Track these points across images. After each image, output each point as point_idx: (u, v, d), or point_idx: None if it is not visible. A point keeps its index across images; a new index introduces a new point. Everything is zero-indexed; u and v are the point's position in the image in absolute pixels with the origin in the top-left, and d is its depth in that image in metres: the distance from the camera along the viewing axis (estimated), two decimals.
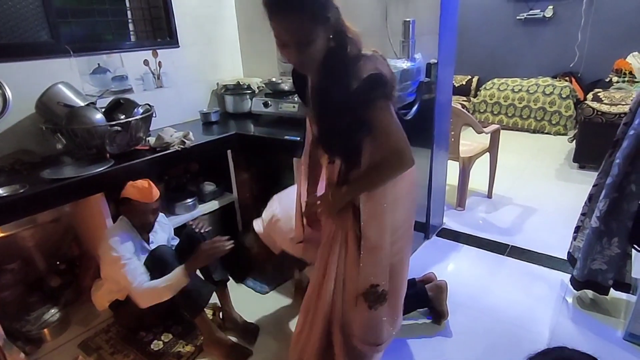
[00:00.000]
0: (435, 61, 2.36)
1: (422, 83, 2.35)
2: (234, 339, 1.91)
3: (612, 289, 2.01)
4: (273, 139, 2.38)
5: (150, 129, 2.20)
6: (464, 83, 5.81)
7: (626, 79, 4.22)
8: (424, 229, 2.78)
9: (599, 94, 3.91)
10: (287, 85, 2.75)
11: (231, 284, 2.06)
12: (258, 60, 3.10)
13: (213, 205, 2.55)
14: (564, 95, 4.89)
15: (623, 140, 1.85)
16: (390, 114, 1.19)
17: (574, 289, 2.10)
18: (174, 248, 1.98)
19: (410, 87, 2.30)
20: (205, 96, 2.95)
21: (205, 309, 1.83)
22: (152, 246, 1.89)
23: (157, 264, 1.76)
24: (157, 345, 1.88)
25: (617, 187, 1.85)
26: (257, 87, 2.87)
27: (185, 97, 2.79)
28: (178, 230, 2.22)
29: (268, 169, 2.76)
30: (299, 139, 2.26)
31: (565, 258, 2.26)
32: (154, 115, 2.18)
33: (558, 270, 2.35)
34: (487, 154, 3.23)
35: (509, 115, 5.29)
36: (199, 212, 2.45)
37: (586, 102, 3.85)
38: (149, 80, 2.54)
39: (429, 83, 2.40)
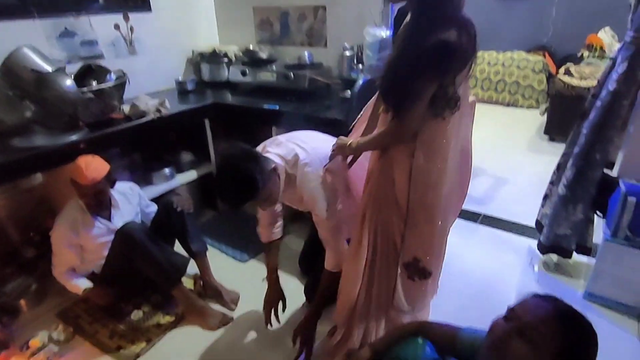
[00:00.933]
0: None
1: None
2: (215, 306, 1.94)
3: (575, 253, 2.14)
4: (251, 108, 2.36)
5: (124, 97, 2.14)
6: None
7: (596, 54, 4.33)
8: None
9: (570, 69, 4.00)
10: (264, 53, 2.71)
11: (210, 253, 2.07)
12: (234, 27, 3.02)
13: (191, 175, 2.53)
14: (537, 70, 4.99)
15: (590, 112, 1.93)
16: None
17: (540, 253, 2.22)
18: (151, 218, 1.96)
19: None
20: (180, 64, 2.87)
21: (185, 279, 1.84)
22: (116, 222, 1.85)
23: (125, 245, 1.74)
24: (136, 315, 1.89)
25: (583, 156, 1.94)
26: (234, 56, 2.81)
27: (159, 64, 2.70)
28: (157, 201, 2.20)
29: (246, 138, 2.73)
30: (277, 107, 2.25)
31: (534, 226, 2.37)
32: (127, 82, 2.11)
33: (526, 236, 2.47)
34: None
35: (485, 88, 5.37)
36: (177, 181, 2.43)
37: (557, 76, 3.95)
38: (120, 46, 2.45)
39: None
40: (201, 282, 2.03)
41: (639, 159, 1.95)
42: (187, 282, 2.03)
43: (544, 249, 2.20)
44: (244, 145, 1.44)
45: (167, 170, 2.40)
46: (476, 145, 3.69)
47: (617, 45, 2.90)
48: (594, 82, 3.68)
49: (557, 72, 4.22)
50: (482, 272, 2.19)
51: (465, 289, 2.06)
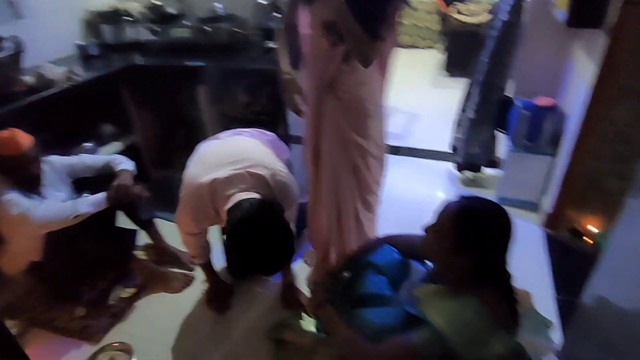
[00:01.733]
0: None
1: None
2: (175, 270, 1.94)
3: (485, 168, 2.50)
4: (172, 67, 2.25)
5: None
6: None
7: None
8: None
9: (459, 7, 4.38)
10: (172, 8, 2.55)
11: (159, 220, 2.03)
12: None
13: (116, 147, 2.37)
14: (430, 11, 5.34)
15: (488, 42, 2.20)
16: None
17: (458, 171, 2.56)
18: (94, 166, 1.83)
19: None
20: (75, 27, 2.57)
21: (137, 252, 1.80)
22: (49, 198, 1.68)
23: (69, 228, 1.59)
24: (94, 294, 1.81)
25: (485, 82, 2.23)
26: (139, 13, 2.59)
27: (52, 28, 2.39)
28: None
29: (170, 101, 2.61)
30: (202, 63, 2.18)
31: (449, 150, 2.69)
32: (23, 50, 1.87)
33: (443, 160, 2.80)
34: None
35: None
36: (101, 155, 2.26)
37: (450, 15, 4.30)
38: (1, 9, 2.11)
39: None
40: (154, 251, 2.00)
41: (529, 78, 2.30)
42: (140, 254, 1.98)
43: (460, 167, 2.54)
44: (252, 206, 1.24)
45: (87, 145, 2.23)
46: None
47: None
48: (481, 18, 4.11)
49: (447, 11, 4.58)
50: (412, 196, 2.47)
51: (401, 212, 2.31)
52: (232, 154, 1.39)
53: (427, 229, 1.10)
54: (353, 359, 1.14)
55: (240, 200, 1.24)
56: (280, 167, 1.42)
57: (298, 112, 1.66)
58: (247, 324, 1.68)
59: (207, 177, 1.31)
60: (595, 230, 1.99)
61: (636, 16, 1.55)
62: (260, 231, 1.17)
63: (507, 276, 1.07)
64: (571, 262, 1.91)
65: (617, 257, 1.19)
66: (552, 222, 2.10)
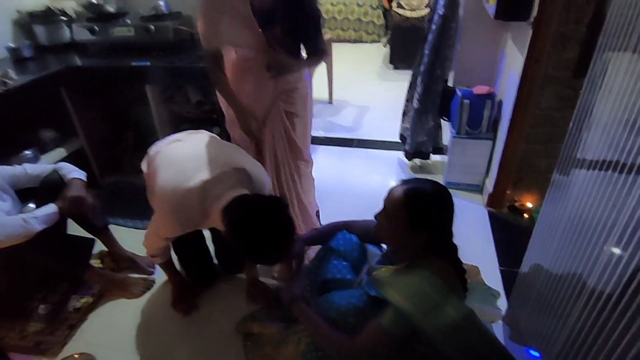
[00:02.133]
0: None
1: None
2: (134, 275, 1.90)
3: (432, 155, 2.65)
4: (117, 67, 2.17)
5: None
6: None
7: None
8: None
9: (400, 2, 4.54)
10: (112, 6, 2.46)
11: (112, 226, 1.98)
12: None
13: (59, 153, 2.26)
14: (374, 6, 5.49)
15: (428, 35, 2.33)
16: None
17: (407, 160, 2.68)
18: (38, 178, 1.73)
19: None
20: (5, 28, 2.40)
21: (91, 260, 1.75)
22: None
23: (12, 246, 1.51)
24: (45, 309, 1.73)
25: (427, 73, 2.35)
26: (74, 12, 2.47)
27: None
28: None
29: (116, 102, 2.53)
30: (148, 63, 2.14)
31: (398, 140, 2.81)
32: None
33: (394, 150, 2.93)
34: (323, 63, 3.55)
35: (332, 28, 5.71)
36: (44, 163, 2.15)
37: (392, 9, 4.45)
38: None
39: None
40: (110, 258, 1.94)
41: (467, 69, 2.46)
42: (94, 262, 1.92)
43: (409, 156, 2.67)
44: (252, 200, 1.29)
45: (28, 153, 2.10)
46: (336, 81, 4.06)
47: None
48: (422, 12, 4.30)
49: (390, 7, 4.74)
50: (366, 185, 2.56)
51: (355, 202, 2.39)
52: (206, 153, 1.41)
53: (378, 216, 1.18)
54: (333, 354, 1.18)
55: (236, 197, 1.26)
56: (250, 158, 1.52)
57: (259, 140, 1.74)
58: (215, 320, 1.69)
59: (194, 181, 1.31)
60: (530, 205, 2.19)
61: (554, 10, 1.71)
62: (269, 224, 1.19)
63: (453, 247, 1.17)
64: (512, 237, 2.09)
65: (545, 227, 1.33)
66: (494, 202, 2.27)
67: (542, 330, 1.28)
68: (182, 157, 1.44)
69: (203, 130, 1.67)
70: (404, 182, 1.15)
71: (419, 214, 1.08)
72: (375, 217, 1.19)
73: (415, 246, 1.11)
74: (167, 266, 1.70)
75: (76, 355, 1.54)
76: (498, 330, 1.60)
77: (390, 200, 1.12)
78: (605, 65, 1.04)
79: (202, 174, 1.32)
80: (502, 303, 1.71)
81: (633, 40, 0.91)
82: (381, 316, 1.07)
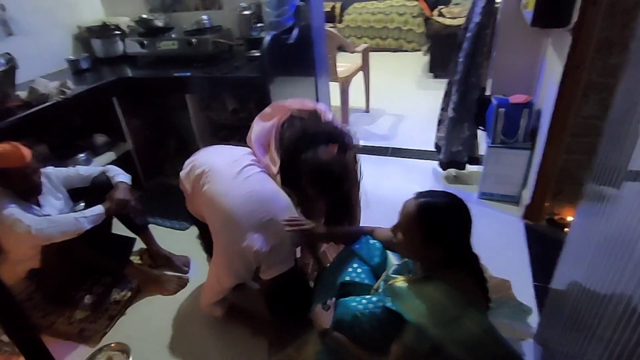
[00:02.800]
0: None
1: (299, 7, 2.48)
2: (169, 273, 2.01)
3: (467, 165, 2.59)
4: (161, 78, 2.32)
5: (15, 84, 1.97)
6: (329, 9, 6.03)
7: None
8: None
9: (442, 10, 4.50)
10: (160, 21, 2.63)
11: (151, 225, 2.10)
12: None
13: (109, 156, 2.44)
14: (414, 14, 5.46)
15: (464, 42, 2.29)
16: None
17: (442, 169, 2.64)
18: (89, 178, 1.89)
19: (287, 11, 2.41)
20: (66, 42, 2.65)
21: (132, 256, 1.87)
22: (46, 208, 1.77)
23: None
24: (90, 299, 1.88)
25: (463, 81, 2.32)
26: (127, 27, 2.68)
27: (43, 44, 2.47)
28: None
29: (160, 110, 2.69)
30: (189, 74, 2.26)
31: (433, 149, 2.78)
32: (16, 66, 1.95)
33: (429, 159, 2.89)
34: (361, 72, 3.58)
35: (371, 37, 5.74)
36: (95, 166, 2.34)
37: (433, 18, 4.41)
38: None
39: (304, 7, 2.54)
40: (148, 255, 2.06)
41: (503, 77, 2.40)
42: (134, 259, 2.05)
43: (444, 165, 2.62)
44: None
45: (82, 156, 2.30)
46: (374, 90, 4.08)
47: None
48: (462, 20, 4.22)
49: (431, 15, 4.70)
50: (399, 194, 2.50)
51: (389, 210, 2.37)
52: (255, 198, 1.43)
53: (394, 229, 1.17)
54: None
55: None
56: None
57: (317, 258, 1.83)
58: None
59: (247, 243, 1.38)
60: (571, 219, 2.08)
61: (596, 15, 1.64)
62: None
63: (473, 258, 1.15)
64: (549, 251, 1.99)
65: (578, 240, 1.27)
66: (531, 214, 2.18)
67: (573, 351, 1.22)
68: (225, 181, 1.48)
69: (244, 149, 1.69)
70: (419, 194, 1.15)
71: (432, 228, 1.08)
72: (392, 230, 1.19)
73: (432, 259, 1.11)
74: (234, 313, 1.72)
75: (113, 345, 1.65)
76: (529, 349, 1.54)
77: (404, 214, 1.12)
78: None
79: (253, 238, 1.38)
80: (534, 320, 1.64)
81: None
82: (402, 335, 1.07)
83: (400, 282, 1.17)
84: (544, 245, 2.04)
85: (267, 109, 1.76)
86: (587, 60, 1.74)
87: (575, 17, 1.70)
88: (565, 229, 2.08)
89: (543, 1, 1.78)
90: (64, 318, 1.80)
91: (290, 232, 1.41)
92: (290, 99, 1.79)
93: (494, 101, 2.21)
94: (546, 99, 2.06)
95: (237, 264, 1.42)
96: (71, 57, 2.53)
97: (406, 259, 1.29)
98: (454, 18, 4.30)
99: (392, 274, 1.26)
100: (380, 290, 1.25)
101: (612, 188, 1.11)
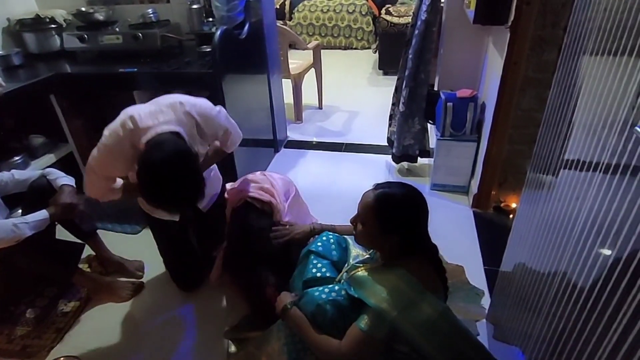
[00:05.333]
0: None
1: (249, 2, 2.44)
2: (122, 279, 1.91)
3: (419, 158, 2.68)
4: (105, 74, 2.20)
5: None
6: (277, 6, 5.99)
7: None
8: (273, 144, 3.06)
9: (389, 9, 4.61)
10: (101, 14, 2.49)
11: (100, 234, 1.99)
12: None
13: (49, 159, 2.28)
14: (363, 13, 5.56)
15: (412, 40, 2.37)
16: None
17: (395, 163, 2.72)
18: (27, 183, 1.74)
19: (237, 6, 2.37)
20: None
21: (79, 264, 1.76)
22: None
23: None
24: (33, 312, 1.75)
25: (412, 77, 2.39)
26: (64, 21, 2.50)
27: None
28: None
29: (105, 108, 2.53)
30: (136, 70, 2.16)
31: (386, 143, 2.85)
32: None
33: (382, 154, 2.96)
34: (313, 69, 3.60)
35: (323, 35, 5.78)
36: (33, 169, 2.17)
37: (381, 16, 4.52)
38: None
39: (254, 3, 2.51)
40: (98, 262, 1.95)
41: (450, 73, 2.51)
42: (82, 267, 1.93)
43: (396, 159, 2.70)
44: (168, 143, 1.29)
45: (17, 159, 2.12)
46: (326, 87, 4.11)
47: None
48: (409, 19, 4.36)
49: (379, 14, 4.81)
50: (356, 188, 2.55)
51: (345, 204, 2.40)
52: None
53: (353, 220, 1.22)
54: (323, 358, 1.19)
55: (160, 133, 1.29)
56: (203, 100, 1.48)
57: None
58: (200, 325, 1.70)
59: (127, 113, 1.37)
60: (515, 206, 2.22)
61: (529, 14, 1.76)
62: (169, 169, 1.22)
63: (430, 246, 1.20)
64: (497, 237, 2.11)
65: (522, 225, 1.36)
66: (479, 202, 2.31)
67: (521, 327, 1.31)
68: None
69: None
70: (377, 186, 1.19)
71: (388, 217, 1.12)
72: (351, 221, 1.22)
73: (391, 247, 1.14)
74: (127, 189, 1.61)
75: (62, 358, 1.55)
76: (483, 329, 1.63)
77: (363, 205, 1.16)
78: (572, 66, 1.07)
79: (138, 108, 1.36)
80: (487, 302, 1.74)
81: (590, 44, 0.95)
82: (360, 319, 1.10)
83: (361, 271, 1.20)
84: (492, 232, 2.16)
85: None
86: (523, 56, 1.86)
87: (512, 16, 1.82)
88: (511, 216, 2.23)
89: (483, 0, 1.89)
90: (2, 336, 1.66)
91: None
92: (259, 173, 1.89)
93: (442, 96, 2.31)
94: (489, 92, 2.18)
95: (110, 140, 1.36)
96: (0, 52, 2.33)
97: (371, 250, 1.32)
98: (401, 17, 4.43)
99: (353, 264, 1.28)
100: (342, 281, 1.27)
101: (550, 176, 1.20)
